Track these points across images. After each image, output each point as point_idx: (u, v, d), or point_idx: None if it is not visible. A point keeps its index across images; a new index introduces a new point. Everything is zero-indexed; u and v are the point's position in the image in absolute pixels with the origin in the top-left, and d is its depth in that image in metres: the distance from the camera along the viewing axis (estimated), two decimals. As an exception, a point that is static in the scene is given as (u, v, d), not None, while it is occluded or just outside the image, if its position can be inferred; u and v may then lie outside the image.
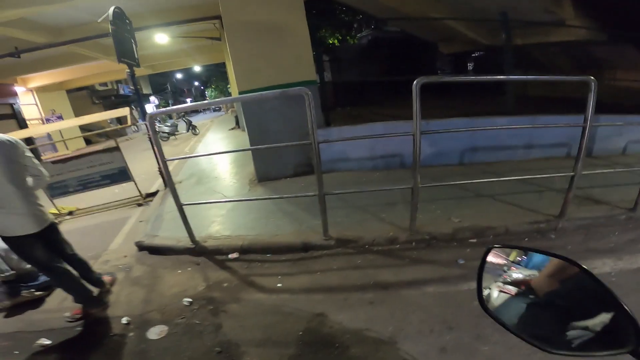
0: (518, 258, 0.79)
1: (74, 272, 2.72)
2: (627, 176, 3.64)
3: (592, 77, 2.57)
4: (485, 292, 0.78)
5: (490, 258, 0.82)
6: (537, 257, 0.76)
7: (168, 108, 4.28)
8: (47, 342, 2.46)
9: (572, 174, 2.89)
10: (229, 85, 20.64)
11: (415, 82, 2.45)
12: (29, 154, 2.45)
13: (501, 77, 2.94)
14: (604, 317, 0.60)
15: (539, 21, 7.03)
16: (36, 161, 2.53)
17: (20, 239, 2.38)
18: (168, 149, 10.57)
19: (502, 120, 4.86)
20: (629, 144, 4.90)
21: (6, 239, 2.40)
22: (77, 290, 2.66)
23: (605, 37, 6.88)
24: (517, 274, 0.77)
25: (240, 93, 4.84)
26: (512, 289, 0.75)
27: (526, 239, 2.99)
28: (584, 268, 0.67)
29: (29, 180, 2.49)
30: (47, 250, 2.57)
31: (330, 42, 13.10)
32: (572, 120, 2.84)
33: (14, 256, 2.91)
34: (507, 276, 0.78)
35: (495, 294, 0.77)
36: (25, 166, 2.42)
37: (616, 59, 7.46)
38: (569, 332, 0.62)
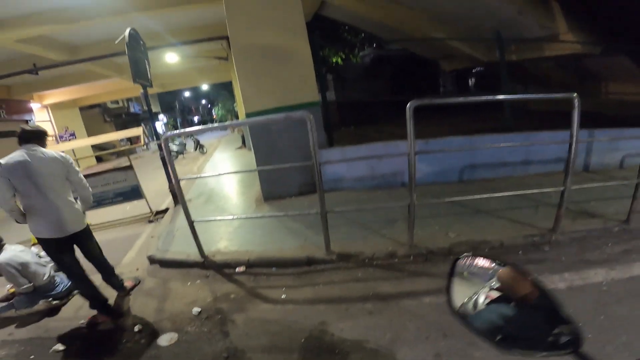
0: (482, 267, 0.89)
1: (95, 279, 2.95)
2: (621, 189, 3.72)
3: (575, 94, 2.65)
4: (456, 298, 0.88)
5: (459, 267, 0.93)
6: (498, 267, 0.84)
7: (183, 130, 4.52)
8: (62, 347, 2.61)
9: (562, 188, 3.00)
10: (235, 104, 21.03)
11: (408, 105, 2.61)
12: (76, 168, 2.73)
13: (488, 97, 3.09)
14: (549, 322, 0.69)
15: (535, 37, 7.23)
16: (82, 176, 2.80)
17: (48, 240, 2.63)
18: (177, 168, 10.79)
19: (498, 137, 4.94)
20: (625, 157, 4.92)
21: (39, 240, 2.66)
22: (93, 297, 2.85)
23: (599, 51, 7.04)
24: (480, 282, 0.87)
25: (247, 114, 5.06)
26: (475, 294, 0.84)
27: (520, 252, 3.09)
28: (533, 278, 0.76)
29: (78, 202, 2.79)
30: (72, 253, 2.81)
31: (334, 60, 13.37)
32: (566, 136, 2.92)
33: (31, 270, 3.12)
34: (472, 283, 0.88)
35: (463, 298, 0.87)
36: (68, 181, 2.68)
37: (612, 72, 7.60)
38: (519, 334, 0.71)
